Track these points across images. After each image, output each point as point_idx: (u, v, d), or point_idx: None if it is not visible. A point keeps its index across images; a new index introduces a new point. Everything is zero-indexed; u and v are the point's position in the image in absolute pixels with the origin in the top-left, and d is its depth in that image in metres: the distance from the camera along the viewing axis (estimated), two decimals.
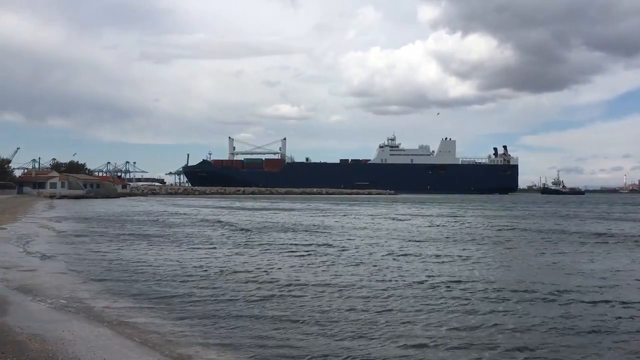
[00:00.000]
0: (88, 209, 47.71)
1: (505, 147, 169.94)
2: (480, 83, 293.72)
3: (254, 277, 11.81)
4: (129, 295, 9.92)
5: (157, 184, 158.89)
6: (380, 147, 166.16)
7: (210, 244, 18.98)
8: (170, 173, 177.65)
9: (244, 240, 20.27)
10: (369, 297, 9.81)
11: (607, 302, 9.44)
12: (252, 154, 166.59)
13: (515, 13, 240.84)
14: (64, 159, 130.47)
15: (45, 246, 17.63)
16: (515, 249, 17.98)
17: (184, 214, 41.43)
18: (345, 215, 40.00)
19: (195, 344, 7.00)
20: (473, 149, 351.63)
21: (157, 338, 7.23)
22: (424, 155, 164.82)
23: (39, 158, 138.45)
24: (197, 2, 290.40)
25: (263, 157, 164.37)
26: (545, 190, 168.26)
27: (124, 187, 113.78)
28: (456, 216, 39.87)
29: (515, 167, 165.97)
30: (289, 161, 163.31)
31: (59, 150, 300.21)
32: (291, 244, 18.90)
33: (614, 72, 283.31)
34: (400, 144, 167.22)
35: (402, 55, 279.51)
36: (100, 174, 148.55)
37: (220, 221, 31.77)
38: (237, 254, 16.27)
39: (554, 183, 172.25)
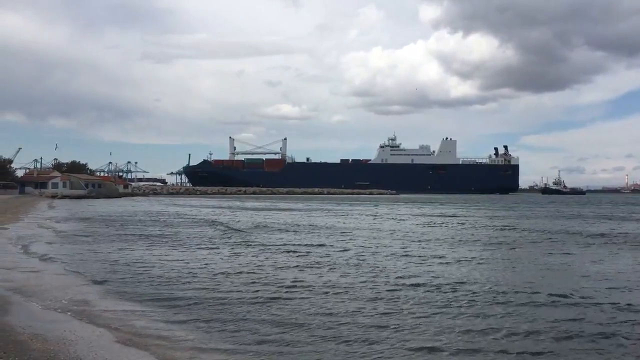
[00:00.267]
0: (89, 209, 47.75)
1: (505, 147, 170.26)
2: (482, 83, 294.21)
3: (257, 279, 11.73)
4: (130, 296, 9.89)
5: (158, 184, 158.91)
6: (381, 147, 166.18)
7: (213, 245, 18.93)
8: (172, 173, 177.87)
9: (247, 241, 20.19)
10: (375, 299, 9.71)
11: (613, 304, 9.30)
12: (252, 154, 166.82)
13: (517, 13, 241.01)
14: (66, 159, 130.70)
15: (46, 247, 17.62)
16: (521, 250, 17.89)
17: (186, 214, 41.43)
18: (349, 216, 39.97)
19: (197, 346, 6.94)
20: (474, 149, 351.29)
21: (158, 339, 7.21)
22: (424, 155, 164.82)
23: (41, 158, 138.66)
24: (199, 2, 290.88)
25: (264, 157, 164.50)
26: (546, 190, 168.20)
27: (126, 187, 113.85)
28: (460, 216, 39.83)
29: (516, 167, 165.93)
30: (290, 161, 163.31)
31: (61, 150, 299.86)
32: (297, 245, 18.82)
33: (615, 72, 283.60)
34: (400, 144, 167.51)
35: (403, 55, 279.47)
36: (102, 174, 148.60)
37: (221, 222, 31.76)
38: (240, 254, 16.22)
39: (554, 183, 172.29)
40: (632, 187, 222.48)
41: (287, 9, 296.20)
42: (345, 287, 10.71)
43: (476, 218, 37.76)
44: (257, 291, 10.32)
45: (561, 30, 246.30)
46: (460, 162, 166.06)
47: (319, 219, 35.60)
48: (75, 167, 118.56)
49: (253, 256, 15.69)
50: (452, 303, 9.40)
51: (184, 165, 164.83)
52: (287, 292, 10.30)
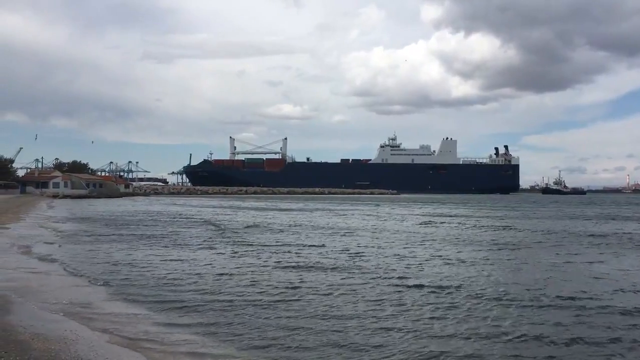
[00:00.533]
0: (90, 209, 47.76)
1: (506, 146, 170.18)
2: (483, 83, 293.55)
3: (260, 280, 11.67)
4: (131, 297, 9.84)
5: (159, 183, 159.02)
6: (381, 146, 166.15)
7: (215, 245, 18.88)
8: (173, 173, 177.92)
9: (249, 242, 20.12)
10: (381, 300, 9.61)
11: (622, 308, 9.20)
12: (253, 153, 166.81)
13: (519, 12, 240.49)
14: (67, 158, 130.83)
15: (47, 247, 17.58)
16: (526, 251, 17.81)
17: (187, 214, 41.37)
18: (352, 216, 39.90)
19: (197, 350, 6.87)
20: (475, 149, 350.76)
21: (159, 340, 7.21)
22: (424, 155, 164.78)
23: (42, 158, 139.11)
24: (200, 1, 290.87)
25: (264, 157, 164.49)
26: (546, 190, 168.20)
27: (127, 186, 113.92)
28: (463, 216, 39.76)
29: (517, 166, 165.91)
30: (290, 161, 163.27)
31: (62, 150, 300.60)
32: (300, 245, 18.79)
33: (617, 72, 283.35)
34: (401, 143, 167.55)
35: (405, 54, 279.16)
36: (103, 173, 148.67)
37: (223, 222, 31.74)
38: (242, 255, 16.16)
39: (555, 183, 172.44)
40: (633, 187, 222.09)
41: (288, 9, 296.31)
42: (350, 289, 10.64)
43: (478, 218, 37.69)
44: (261, 293, 10.25)
45: (563, 30, 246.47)
46: (461, 162, 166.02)
47: (322, 219, 35.54)
48: (76, 167, 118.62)
49: (255, 257, 15.62)
50: (458, 306, 9.28)
51: (185, 165, 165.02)
52: (291, 294, 10.20)
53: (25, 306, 8.73)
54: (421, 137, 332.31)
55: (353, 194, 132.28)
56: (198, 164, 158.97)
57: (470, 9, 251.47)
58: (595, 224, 32.12)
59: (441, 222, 32.28)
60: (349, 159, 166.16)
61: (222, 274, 12.42)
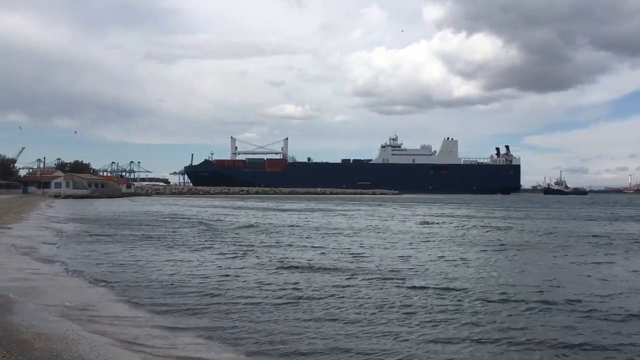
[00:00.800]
0: (92, 209, 47.79)
1: (507, 147, 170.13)
2: (485, 83, 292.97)
3: (264, 282, 11.58)
4: (133, 298, 9.78)
5: (161, 183, 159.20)
6: (382, 147, 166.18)
7: (216, 246, 18.81)
8: (175, 173, 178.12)
9: (251, 242, 20.02)
10: (387, 304, 9.48)
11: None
12: (254, 153, 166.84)
13: (521, 13, 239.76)
14: (69, 158, 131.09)
15: (49, 247, 17.51)
16: (530, 252, 17.71)
17: (189, 215, 41.37)
18: (355, 217, 39.82)
19: (198, 354, 6.77)
20: (478, 149, 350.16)
21: (160, 340, 7.18)
22: (425, 155, 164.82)
23: (44, 158, 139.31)
24: (202, 2, 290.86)
25: (265, 157, 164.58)
26: (547, 191, 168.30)
27: (129, 187, 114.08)
28: (465, 217, 39.65)
29: (518, 167, 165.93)
30: (291, 161, 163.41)
31: (64, 150, 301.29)
32: (304, 247, 18.69)
33: (619, 72, 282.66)
34: (402, 143, 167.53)
35: (407, 55, 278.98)
36: (105, 173, 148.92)
37: (224, 222, 31.74)
38: (244, 256, 16.07)
39: (556, 183, 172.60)
40: (635, 187, 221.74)
41: (290, 9, 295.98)
42: (355, 290, 10.54)
43: (481, 219, 37.57)
44: (266, 295, 10.15)
45: (565, 30, 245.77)
46: (462, 162, 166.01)
47: (325, 219, 35.47)
48: (78, 167, 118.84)
49: (259, 258, 15.51)
50: (465, 309, 9.16)
51: (187, 165, 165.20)
52: (296, 296, 10.09)
53: (26, 306, 8.70)
54: (422, 137, 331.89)
55: (355, 194, 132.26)
56: (199, 164, 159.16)
57: (473, 9, 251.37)
58: (599, 224, 32.01)
59: (444, 223, 32.24)
60: (349, 159, 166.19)
61: (225, 275, 12.34)
